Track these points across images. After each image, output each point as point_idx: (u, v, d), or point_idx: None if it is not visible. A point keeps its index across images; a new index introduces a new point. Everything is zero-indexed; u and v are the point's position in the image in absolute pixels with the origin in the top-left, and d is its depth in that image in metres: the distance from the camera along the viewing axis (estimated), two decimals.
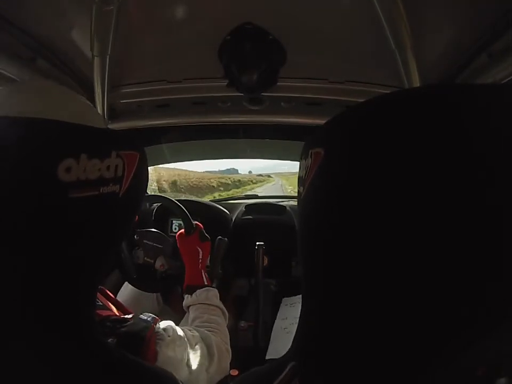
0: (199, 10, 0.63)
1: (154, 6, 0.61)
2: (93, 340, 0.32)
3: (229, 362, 0.63)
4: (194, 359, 0.51)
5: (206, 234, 0.84)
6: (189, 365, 0.49)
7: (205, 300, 0.69)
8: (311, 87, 0.85)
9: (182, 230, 0.84)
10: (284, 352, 0.28)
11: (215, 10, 0.63)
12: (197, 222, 0.86)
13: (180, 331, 0.51)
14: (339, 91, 0.85)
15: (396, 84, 0.77)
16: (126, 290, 1.03)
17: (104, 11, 0.57)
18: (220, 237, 0.98)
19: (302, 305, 0.25)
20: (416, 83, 0.69)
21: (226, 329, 0.67)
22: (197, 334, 0.56)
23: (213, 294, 0.72)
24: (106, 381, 0.31)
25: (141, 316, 0.48)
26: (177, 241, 0.83)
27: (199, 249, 0.79)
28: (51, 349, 0.29)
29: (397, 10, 0.55)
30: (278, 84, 0.81)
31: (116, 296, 0.63)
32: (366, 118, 0.20)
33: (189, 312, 0.70)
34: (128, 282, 1.01)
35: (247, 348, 0.95)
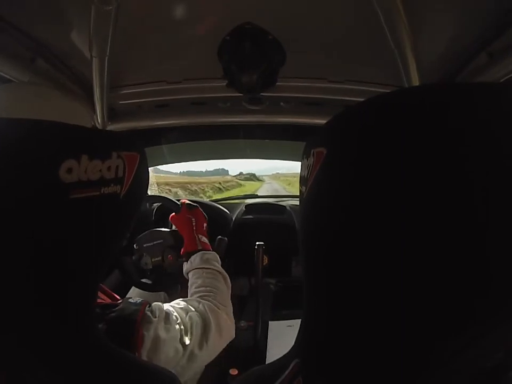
0: (198, 11, 0.63)
1: (154, 7, 0.61)
2: (94, 339, 0.32)
3: (232, 328, 0.60)
4: (187, 331, 0.50)
5: (193, 204, 0.85)
6: (182, 341, 0.48)
7: (200, 264, 0.68)
8: (311, 87, 0.86)
9: (173, 213, 0.85)
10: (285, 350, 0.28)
11: (214, 11, 0.63)
12: (182, 199, 0.88)
13: (167, 308, 0.50)
14: (339, 91, 0.85)
15: (395, 83, 0.77)
16: (134, 293, 1.03)
17: (102, 12, 0.57)
18: (220, 236, 0.98)
19: (304, 304, 0.25)
20: (416, 82, 0.69)
21: (227, 292, 0.65)
22: (185, 304, 0.54)
23: (208, 257, 0.70)
24: (104, 379, 0.31)
25: (130, 299, 0.47)
26: (172, 223, 0.85)
27: (190, 217, 0.81)
28: (52, 348, 0.29)
29: (396, 10, 0.55)
30: (277, 83, 0.82)
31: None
32: (366, 117, 0.20)
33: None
34: (133, 285, 1.01)
35: (247, 347, 0.95)
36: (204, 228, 0.81)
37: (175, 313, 0.50)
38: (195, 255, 0.71)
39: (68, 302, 0.29)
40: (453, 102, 0.17)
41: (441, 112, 0.17)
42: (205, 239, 0.77)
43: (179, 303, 0.55)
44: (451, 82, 0.68)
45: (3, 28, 0.60)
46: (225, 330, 0.57)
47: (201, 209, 0.85)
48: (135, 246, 0.98)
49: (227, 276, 0.69)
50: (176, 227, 0.84)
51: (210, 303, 0.57)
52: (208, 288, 0.62)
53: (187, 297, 0.69)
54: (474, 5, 0.55)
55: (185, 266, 0.72)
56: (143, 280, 0.98)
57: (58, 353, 0.29)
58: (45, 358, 0.29)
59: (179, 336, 0.48)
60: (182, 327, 0.49)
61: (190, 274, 0.69)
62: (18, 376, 0.28)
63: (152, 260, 0.97)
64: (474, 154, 0.16)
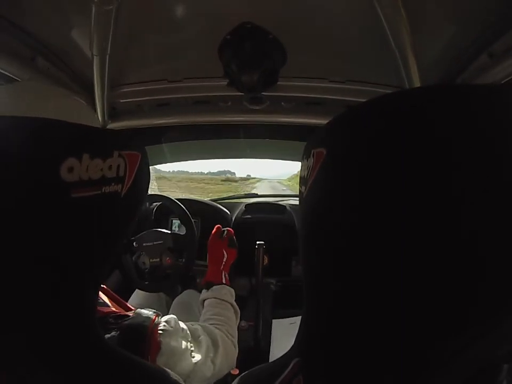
0: (199, 10, 0.63)
1: (155, 6, 0.61)
2: (95, 340, 0.32)
3: (235, 357, 0.64)
4: (198, 350, 0.52)
5: (235, 241, 0.88)
6: (193, 356, 0.50)
7: (219, 295, 0.73)
8: (312, 87, 0.85)
9: (215, 231, 0.87)
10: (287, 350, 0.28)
11: (215, 10, 0.63)
12: (229, 228, 0.90)
13: (181, 324, 0.52)
14: (339, 91, 0.85)
15: (396, 83, 0.77)
16: (137, 297, 1.04)
17: (103, 11, 0.57)
18: None
19: (304, 304, 0.26)
20: (417, 83, 0.70)
21: (235, 326, 0.70)
22: (199, 327, 0.57)
23: (227, 291, 0.75)
24: (106, 380, 0.31)
25: (142, 310, 0.48)
26: (209, 240, 0.87)
27: (225, 253, 0.84)
28: (52, 349, 0.29)
29: (397, 10, 0.55)
30: (278, 83, 0.81)
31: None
32: (367, 118, 0.20)
33: (203, 306, 0.74)
34: (133, 286, 1.01)
35: (247, 347, 0.95)
36: (229, 266, 0.85)
37: (188, 331, 0.53)
38: (217, 286, 0.75)
39: (69, 302, 0.29)
40: (452, 103, 0.17)
41: (441, 114, 0.17)
42: (227, 276, 0.81)
43: (193, 324, 0.58)
44: (451, 84, 0.68)
45: (3, 26, 0.59)
46: (231, 359, 0.62)
47: (237, 251, 0.88)
48: (134, 244, 0.98)
49: (239, 311, 0.74)
50: (208, 250, 0.86)
51: (222, 333, 0.62)
52: (222, 318, 0.67)
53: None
54: (475, 6, 0.55)
55: (204, 294, 0.76)
56: (142, 280, 0.99)
57: (58, 353, 0.29)
58: (45, 358, 0.28)
59: (190, 351, 0.50)
60: (191, 344, 0.51)
61: (206, 302, 0.73)
62: (18, 376, 0.28)
63: (150, 261, 0.98)
64: (472, 156, 0.16)
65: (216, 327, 0.62)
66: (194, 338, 0.53)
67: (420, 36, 0.61)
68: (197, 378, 0.50)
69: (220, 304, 0.71)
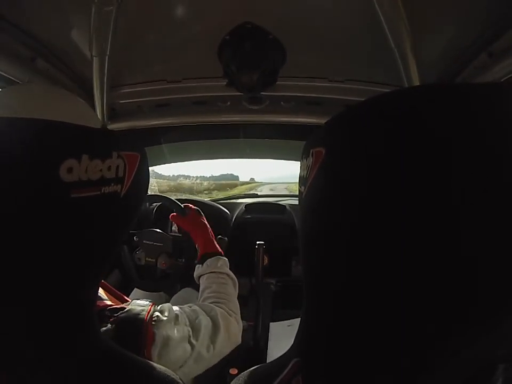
0: (198, 10, 0.63)
1: (154, 6, 0.61)
2: (94, 339, 0.32)
3: (239, 334, 0.62)
4: (197, 332, 0.51)
5: (200, 211, 0.85)
6: (191, 342, 0.49)
7: (215, 268, 0.69)
8: (311, 86, 0.86)
9: (174, 216, 0.85)
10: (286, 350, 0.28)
11: (214, 10, 0.63)
12: (188, 204, 0.87)
13: (177, 310, 0.51)
14: (339, 90, 0.85)
15: (395, 82, 0.77)
16: (137, 296, 1.04)
17: (103, 11, 0.57)
18: (219, 236, 0.98)
19: (304, 304, 0.26)
20: (416, 82, 0.70)
21: (236, 299, 0.67)
22: (197, 308, 0.56)
23: (223, 262, 0.72)
24: (105, 379, 0.31)
25: (138, 301, 0.48)
26: (176, 222, 0.84)
27: (205, 221, 0.81)
28: (51, 348, 0.29)
29: (396, 10, 0.55)
30: (278, 83, 0.82)
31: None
32: (366, 117, 0.20)
33: (199, 283, 0.71)
34: (133, 285, 1.02)
35: (247, 347, 0.95)
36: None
37: (185, 315, 0.52)
38: (212, 259, 0.72)
39: (68, 302, 0.29)
40: (452, 103, 0.17)
41: (441, 113, 0.17)
42: (218, 245, 0.78)
43: (191, 306, 0.56)
44: (451, 83, 0.68)
45: (3, 27, 0.60)
46: (234, 335, 0.59)
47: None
48: (135, 238, 0.99)
49: (237, 281, 0.71)
50: (186, 228, 0.83)
51: (222, 310, 0.59)
52: (221, 295, 0.64)
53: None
54: (475, 5, 0.55)
55: (199, 268, 0.72)
56: (141, 279, 0.99)
57: (58, 352, 0.29)
58: (45, 358, 0.29)
59: (187, 337, 0.49)
60: (190, 328, 0.50)
61: (204, 277, 0.69)
62: (18, 376, 0.28)
63: (146, 259, 0.98)
64: (472, 156, 0.16)
65: (216, 305, 0.60)
66: (192, 322, 0.52)
67: (420, 35, 0.61)
68: (194, 360, 0.50)
69: (217, 278, 0.68)
